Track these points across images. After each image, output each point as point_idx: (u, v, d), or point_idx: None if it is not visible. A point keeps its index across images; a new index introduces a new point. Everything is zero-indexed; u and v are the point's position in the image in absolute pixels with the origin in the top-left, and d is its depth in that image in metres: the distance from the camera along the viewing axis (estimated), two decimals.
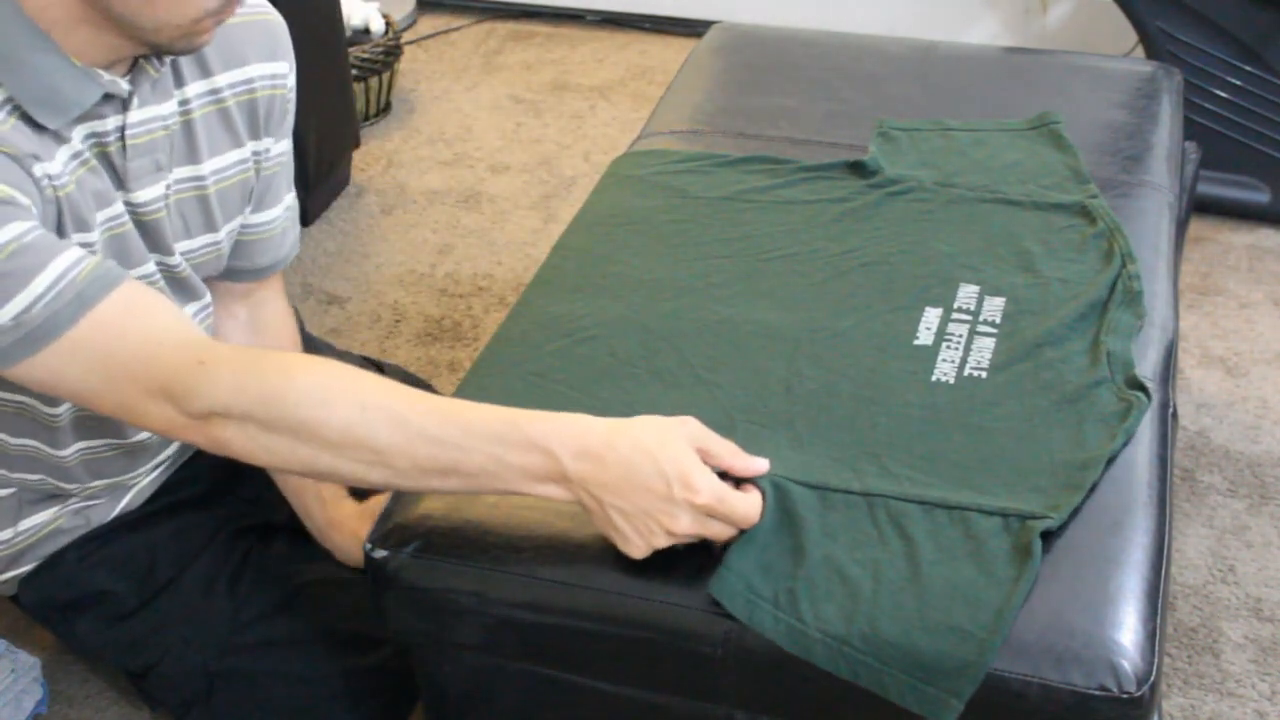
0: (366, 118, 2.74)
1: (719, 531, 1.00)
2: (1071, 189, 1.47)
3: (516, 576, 1.06)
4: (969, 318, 1.28)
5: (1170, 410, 1.24)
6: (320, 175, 2.39)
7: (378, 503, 1.28)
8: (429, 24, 3.22)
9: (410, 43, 3.09)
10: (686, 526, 0.98)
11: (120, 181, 1.14)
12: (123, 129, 1.12)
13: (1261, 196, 2.35)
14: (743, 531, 1.01)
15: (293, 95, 1.29)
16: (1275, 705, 1.51)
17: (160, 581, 1.34)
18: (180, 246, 1.22)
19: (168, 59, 1.14)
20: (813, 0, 2.94)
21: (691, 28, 3.07)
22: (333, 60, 2.39)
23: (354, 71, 2.59)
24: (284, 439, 1.00)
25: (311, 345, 1.55)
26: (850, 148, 1.57)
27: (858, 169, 1.52)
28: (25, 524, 1.31)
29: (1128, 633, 0.97)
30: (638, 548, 1.00)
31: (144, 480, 1.36)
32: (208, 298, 1.30)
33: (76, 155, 1.09)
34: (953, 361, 1.22)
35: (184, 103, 1.18)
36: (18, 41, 1.03)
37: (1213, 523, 1.75)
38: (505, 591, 1.07)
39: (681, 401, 1.17)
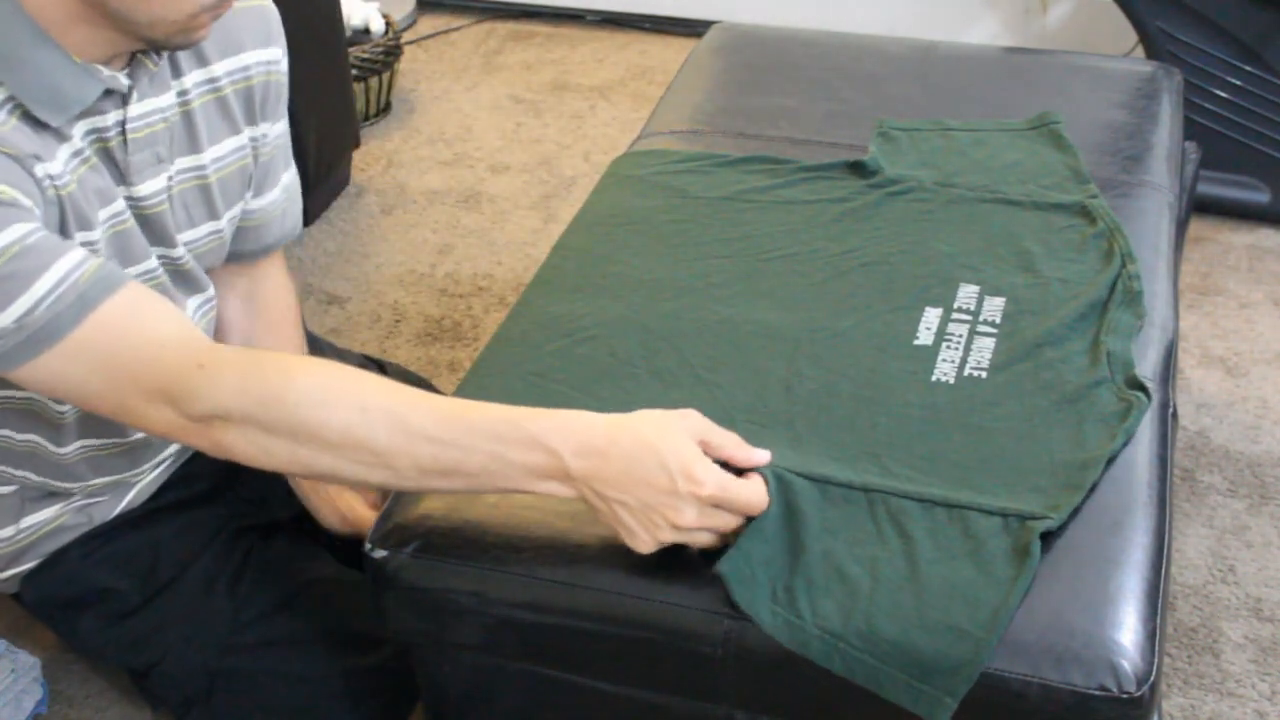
0: (366, 118, 2.74)
1: (725, 523, 1.00)
2: (1071, 189, 1.47)
3: (516, 576, 1.06)
4: (969, 318, 1.28)
5: (1170, 410, 1.24)
6: (320, 175, 2.39)
7: None
8: (429, 24, 3.22)
9: (410, 43, 3.09)
10: (692, 519, 0.98)
11: (122, 176, 1.14)
12: (123, 123, 1.12)
13: (1261, 196, 2.35)
14: (750, 520, 1.01)
15: (286, 79, 1.30)
16: (1275, 705, 1.51)
17: (162, 580, 1.34)
18: (183, 237, 1.23)
19: (165, 52, 1.14)
20: (813, 0, 2.94)
21: (691, 28, 3.06)
22: (333, 60, 2.39)
23: (354, 71, 2.59)
24: (284, 441, 1.00)
25: (313, 344, 1.55)
26: (850, 148, 1.57)
27: (858, 169, 1.52)
28: (28, 521, 1.31)
29: (1128, 633, 0.97)
30: (644, 543, 0.99)
31: (146, 478, 1.36)
32: (210, 291, 1.31)
33: (77, 153, 1.09)
34: (953, 361, 1.22)
35: (182, 93, 1.19)
36: (18, 40, 1.03)
37: (1213, 523, 1.75)
38: (505, 591, 1.07)
39: (681, 401, 1.17)
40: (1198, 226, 2.31)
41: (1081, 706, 0.95)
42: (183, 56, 1.18)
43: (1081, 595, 1.00)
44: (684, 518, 0.97)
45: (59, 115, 1.06)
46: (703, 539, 1.00)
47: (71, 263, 1.00)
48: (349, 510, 1.41)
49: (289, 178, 1.37)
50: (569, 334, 1.28)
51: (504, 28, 3.21)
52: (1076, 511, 1.06)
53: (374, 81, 2.70)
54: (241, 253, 1.36)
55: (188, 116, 1.20)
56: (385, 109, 2.80)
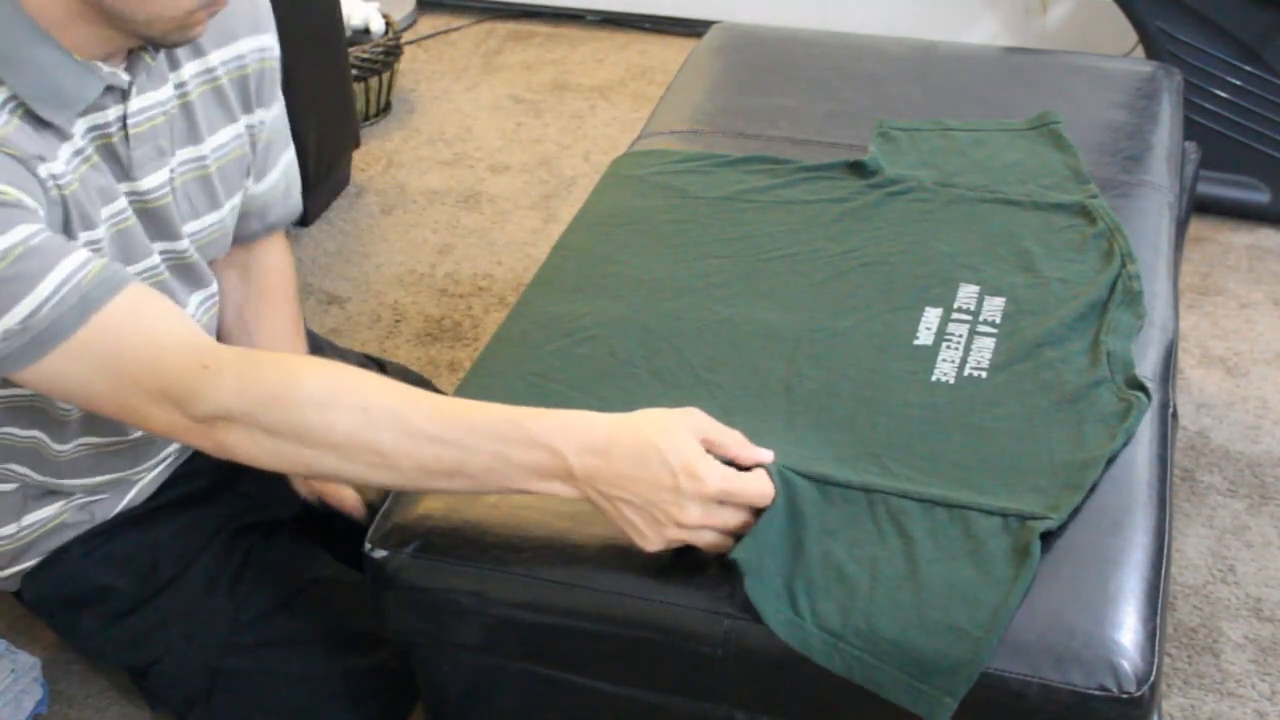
0: (366, 118, 2.74)
1: (731, 519, 1.00)
2: (1071, 189, 1.47)
3: (516, 576, 1.06)
4: (969, 318, 1.28)
5: (1170, 410, 1.24)
6: (320, 175, 2.39)
7: None
8: (429, 24, 3.22)
9: (410, 43, 3.09)
10: (696, 517, 0.98)
11: (125, 172, 1.15)
12: (124, 118, 1.13)
13: (1261, 196, 2.35)
14: (759, 514, 1.01)
15: (278, 63, 1.31)
16: (1275, 705, 1.51)
17: (162, 579, 1.34)
18: (188, 229, 1.24)
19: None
20: (813, 0, 2.94)
21: (691, 28, 3.06)
22: (333, 60, 2.39)
23: (354, 71, 2.59)
24: (287, 442, 1.00)
25: (313, 344, 1.56)
26: (850, 148, 1.57)
27: (858, 169, 1.52)
28: (29, 519, 1.31)
29: (1128, 633, 0.97)
30: (651, 541, 0.99)
31: (147, 476, 1.36)
32: (213, 287, 1.31)
33: (79, 152, 1.09)
34: (953, 361, 1.22)
35: (180, 85, 1.20)
36: (19, 39, 1.03)
37: (1213, 523, 1.75)
38: (505, 591, 1.07)
39: (681, 401, 1.16)
40: (1198, 226, 2.31)
41: (1081, 706, 0.95)
42: (179, 49, 1.18)
43: (1081, 595, 1.00)
44: (688, 515, 0.97)
45: (62, 113, 1.06)
46: (709, 537, 1.00)
47: (75, 264, 1.00)
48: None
49: (287, 159, 1.39)
50: (569, 334, 1.28)
51: (504, 28, 3.21)
52: (1076, 511, 1.06)
53: (374, 81, 2.70)
54: (244, 234, 1.38)
55: (187, 108, 1.21)
56: (385, 109, 2.80)
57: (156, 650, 1.34)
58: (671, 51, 3.05)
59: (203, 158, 1.23)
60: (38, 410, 1.21)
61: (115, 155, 1.13)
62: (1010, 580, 0.99)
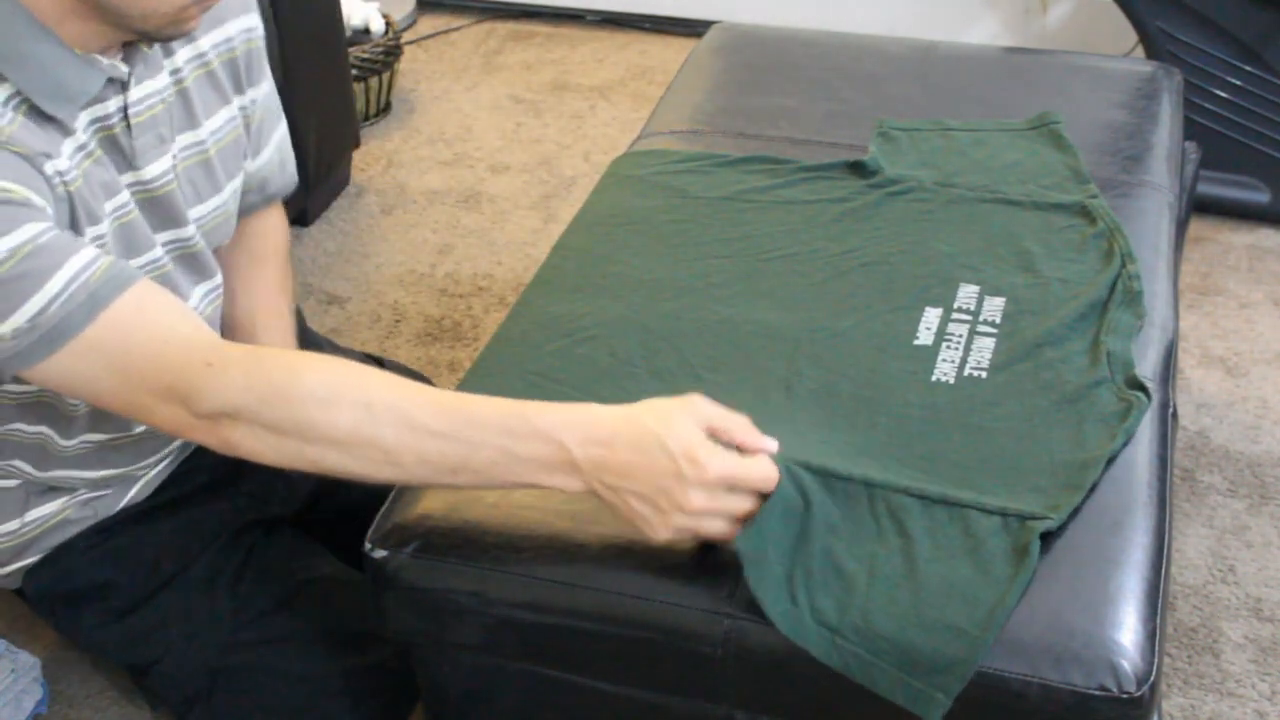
0: (366, 118, 2.74)
1: (737, 505, 1.00)
2: (1071, 189, 1.47)
3: (516, 576, 1.06)
4: (969, 318, 1.28)
5: (1170, 410, 1.24)
6: (320, 175, 2.39)
7: None
8: (429, 24, 3.22)
9: (410, 43, 3.09)
10: (701, 503, 0.97)
11: (129, 161, 1.16)
12: (125, 109, 1.14)
13: (1261, 196, 2.35)
14: (764, 498, 1.01)
15: (263, 42, 1.33)
16: (1275, 705, 1.51)
17: (163, 577, 1.34)
18: (193, 214, 1.25)
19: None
20: (813, 0, 2.94)
21: (691, 28, 3.06)
22: (333, 60, 2.39)
23: (354, 71, 2.59)
24: (290, 439, 1.01)
25: (313, 343, 1.56)
26: (850, 148, 1.57)
27: (858, 169, 1.52)
28: (32, 515, 1.31)
29: (1128, 633, 0.97)
30: (659, 530, 0.99)
31: (150, 473, 1.36)
32: (218, 278, 1.32)
33: (81, 147, 1.10)
34: (953, 361, 1.22)
35: (175, 71, 1.21)
36: (19, 35, 1.04)
37: (1213, 523, 1.75)
38: (505, 591, 1.07)
39: None
40: (1198, 226, 2.31)
41: (1081, 706, 0.95)
42: None
43: (1081, 595, 1.00)
44: (692, 501, 0.97)
45: (66, 108, 1.07)
46: (716, 525, 1.00)
47: (83, 261, 1.01)
48: None
49: (280, 134, 1.41)
50: (569, 334, 1.28)
51: (504, 28, 3.21)
52: (1076, 511, 1.06)
53: (374, 81, 2.70)
54: (244, 208, 1.39)
55: (183, 94, 1.22)
56: (385, 109, 2.80)
57: (157, 650, 1.34)
58: (671, 51, 3.05)
59: (202, 142, 1.25)
60: (46, 406, 1.22)
61: (118, 146, 1.14)
62: (1008, 579, 0.99)
